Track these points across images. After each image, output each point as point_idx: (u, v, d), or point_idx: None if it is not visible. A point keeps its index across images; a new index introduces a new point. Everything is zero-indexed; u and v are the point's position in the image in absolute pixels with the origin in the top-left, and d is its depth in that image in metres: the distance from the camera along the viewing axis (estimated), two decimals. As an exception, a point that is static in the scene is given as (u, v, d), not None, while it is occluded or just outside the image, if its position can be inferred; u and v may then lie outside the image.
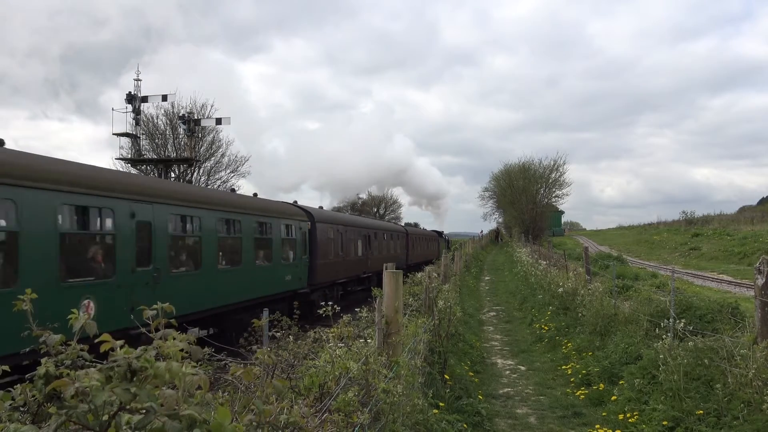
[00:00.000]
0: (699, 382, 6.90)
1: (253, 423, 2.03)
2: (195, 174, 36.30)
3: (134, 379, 1.41)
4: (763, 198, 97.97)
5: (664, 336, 7.83)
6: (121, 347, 1.51)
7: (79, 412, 1.38)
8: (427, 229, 53.54)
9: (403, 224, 47.21)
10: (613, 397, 7.96)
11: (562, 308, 14.38)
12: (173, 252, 11.30)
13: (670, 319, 8.26)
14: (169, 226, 11.04)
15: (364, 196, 79.47)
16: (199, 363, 1.98)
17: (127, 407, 1.39)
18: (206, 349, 3.32)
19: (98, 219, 9.42)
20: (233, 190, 16.09)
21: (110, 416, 1.40)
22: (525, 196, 62.07)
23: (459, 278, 20.04)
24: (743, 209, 69.57)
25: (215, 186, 37.27)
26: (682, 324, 7.77)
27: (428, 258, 40.17)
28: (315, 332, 5.53)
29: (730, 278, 25.21)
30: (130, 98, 29.39)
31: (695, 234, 45.22)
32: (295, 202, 20.75)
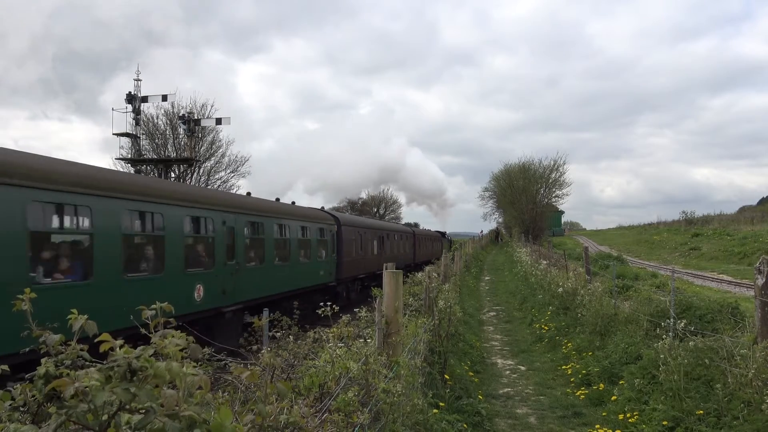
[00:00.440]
0: (699, 382, 6.90)
1: (255, 424, 2.03)
2: (195, 174, 36.30)
3: (134, 378, 1.41)
4: (763, 198, 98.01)
5: (664, 336, 7.83)
6: (121, 347, 1.51)
7: (78, 411, 1.38)
8: (427, 228, 55.14)
9: (402, 224, 49.21)
10: (613, 397, 7.96)
11: (562, 308, 14.37)
12: (247, 250, 14.18)
13: (670, 319, 8.26)
14: (245, 231, 14.01)
15: (364, 195, 79.52)
16: (199, 363, 1.98)
17: (127, 407, 1.39)
18: (206, 348, 3.33)
19: (205, 225, 12.34)
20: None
21: (110, 416, 1.40)
22: (525, 196, 62.05)
23: (459, 278, 20.06)
24: (743, 209, 69.53)
25: (215, 186, 37.27)
26: (682, 324, 7.76)
27: (432, 256, 41.08)
28: (315, 332, 5.52)
29: (730, 278, 25.20)
30: (130, 98, 29.39)
31: (695, 234, 45.20)
32: (323, 207, 23.73)
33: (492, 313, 18.30)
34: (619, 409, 7.50)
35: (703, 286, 22.40)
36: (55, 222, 8.67)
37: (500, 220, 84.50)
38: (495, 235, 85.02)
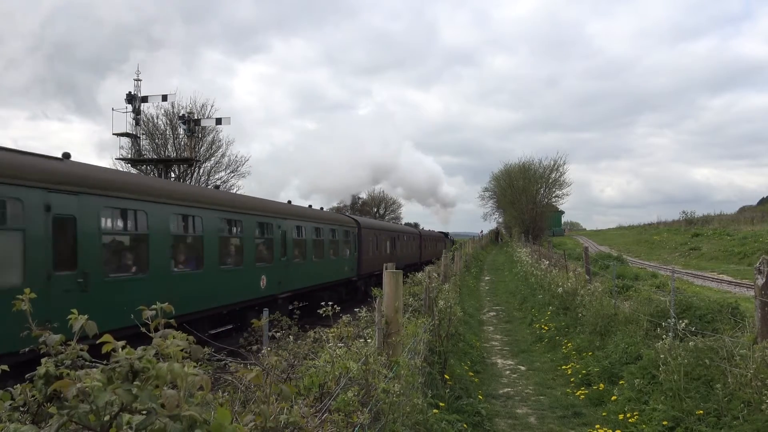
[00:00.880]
0: (699, 382, 6.90)
1: (255, 424, 2.03)
2: (195, 174, 36.29)
3: (136, 379, 1.41)
4: (763, 198, 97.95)
5: (664, 336, 7.83)
6: (123, 347, 1.51)
7: (80, 412, 1.38)
8: (427, 227, 56.74)
9: (403, 224, 50.98)
10: (613, 397, 7.95)
11: (562, 308, 14.37)
12: (294, 248, 17.16)
13: (671, 319, 8.26)
14: (293, 233, 17.16)
15: (363, 195, 79.51)
16: (199, 363, 1.98)
17: (129, 408, 1.39)
18: (206, 348, 3.32)
19: (268, 229, 15.52)
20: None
21: (111, 417, 1.40)
22: (525, 196, 62.02)
23: (459, 278, 20.06)
24: (743, 209, 69.50)
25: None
26: (682, 324, 7.76)
27: (436, 256, 41.64)
28: (315, 332, 5.53)
29: (730, 278, 25.19)
30: (130, 98, 29.38)
31: (695, 234, 45.16)
32: (346, 212, 25.48)
33: (492, 313, 18.30)
34: (619, 409, 7.50)
35: (703, 286, 22.39)
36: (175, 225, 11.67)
37: (500, 220, 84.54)
38: (495, 235, 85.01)
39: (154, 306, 1.78)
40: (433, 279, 11.25)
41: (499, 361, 11.56)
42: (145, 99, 29.93)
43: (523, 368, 10.89)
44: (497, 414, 7.93)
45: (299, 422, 2.40)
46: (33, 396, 1.60)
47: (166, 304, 1.82)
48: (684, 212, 58.55)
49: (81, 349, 1.77)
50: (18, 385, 1.69)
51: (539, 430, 7.43)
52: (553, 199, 65.81)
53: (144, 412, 1.37)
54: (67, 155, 9.19)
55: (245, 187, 41.54)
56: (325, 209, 28.13)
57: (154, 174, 30.27)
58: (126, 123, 29.21)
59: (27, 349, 1.99)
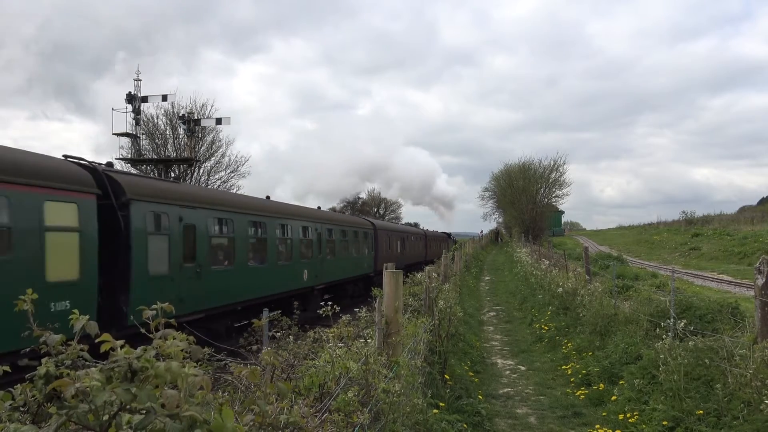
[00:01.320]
0: (699, 382, 6.89)
1: (255, 424, 2.03)
2: (195, 174, 36.28)
3: (135, 379, 1.41)
4: (763, 198, 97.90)
5: (664, 336, 7.83)
6: (122, 347, 1.51)
7: (79, 412, 1.38)
8: (427, 227, 58.37)
9: (402, 224, 52.46)
10: (613, 397, 7.95)
11: (562, 308, 14.37)
12: (327, 246, 20.55)
13: (670, 319, 8.26)
14: (327, 234, 20.67)
15: (363, 195, 79.58)
16: (199, 363, 1.98)
17: (128, 407, 1.39)
18: (206, 348, 3.32)
19: (309, 231, 18.82)
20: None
21: (111, 416, 1.40)
22: (525, 196, 62.02)
23: (459, 278, 20.06)
24: (743, 209, 69.48)
25: (215, 186, 37.25)
26: (682, 324, 7.76)
27: (440, 255, 42.31)
28: (315, 332, 5.53)
29: (730, 278, 25.19)
30: (130, 98, 29.38)
31: (695, 234, 45.14)
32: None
33: (492, 313, 18.30)
34: (619, 409, 7.50)
35: (703, 286, 22.39)
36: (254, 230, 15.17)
37: (500, 220, 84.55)
38: (495, 235, 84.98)
39: (154, 306, 1.78)
40: (433, 279, 11.24)
41: (499, 361, 11.56)
42: (145, 99, 29.94)
43: (523, 368, 10.89)
44: (497, 414, 7.93)
45: (299, 422, 2.40)
46: (33, 396, 1.60)
47: (167, 304, 1.82)
48: (684, 212, 58.61)
49: (81, 349, 1.78)
50: (18, 385, 1.69)
51: (539, 430, 7.43)
52: (553, 199, 65.85)
53: (143, 411, 1.37)
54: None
55: (245, 186, 41.58)
56: (322, 209, 28.54)
57: (153, 174, 30.25)
58: (126, 123, 29.24)
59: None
